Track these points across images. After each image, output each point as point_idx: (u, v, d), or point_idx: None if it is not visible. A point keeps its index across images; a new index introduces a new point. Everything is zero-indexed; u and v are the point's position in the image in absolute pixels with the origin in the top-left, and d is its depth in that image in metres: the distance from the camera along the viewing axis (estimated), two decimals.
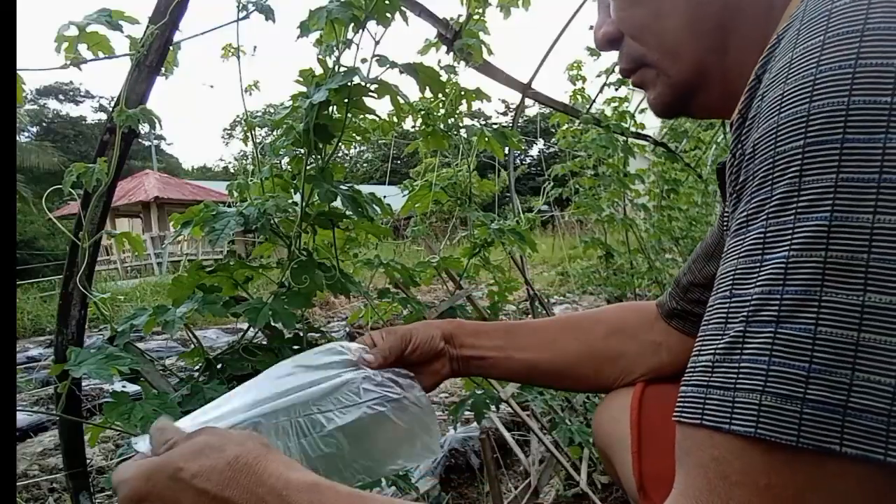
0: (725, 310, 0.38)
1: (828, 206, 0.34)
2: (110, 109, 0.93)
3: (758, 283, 0.36)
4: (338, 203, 1.04)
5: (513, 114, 2.68)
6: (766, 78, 0.41)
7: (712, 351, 0.38)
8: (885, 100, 0.33)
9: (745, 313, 0.36)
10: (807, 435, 0.33)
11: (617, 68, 2.97)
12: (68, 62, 0.88)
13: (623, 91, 3.05)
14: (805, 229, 0.34)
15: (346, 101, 1.01)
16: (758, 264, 0.37)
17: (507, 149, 1.84)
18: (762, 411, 0.34)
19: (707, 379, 0.37)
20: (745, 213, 0.39)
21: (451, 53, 1.58)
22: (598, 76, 3.10)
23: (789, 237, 0.35)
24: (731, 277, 0.38)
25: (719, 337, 0.38)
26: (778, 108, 0.37)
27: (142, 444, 0.53)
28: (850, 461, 0.32)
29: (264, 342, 1.04)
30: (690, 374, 0.39)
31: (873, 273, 0.32)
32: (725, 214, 0.48)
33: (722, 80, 0.54)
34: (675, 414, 0.39)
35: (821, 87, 0.35)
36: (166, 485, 0.46)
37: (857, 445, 0.32)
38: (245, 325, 0.98)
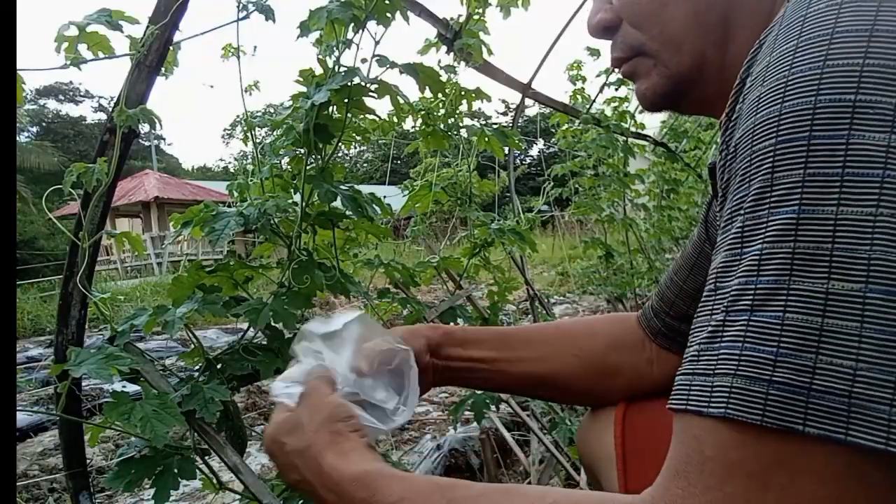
0: (711, 303, 0.40)
1: (796, 200, 0.36)
2: (110, 109, 0.93)
3: (737, 276, 0.38)
4: (338, 203, 1.04)
5: (513, 114, 2.68)
6: (749, 80, 0.43)
7: (698, 341, 0.40)
8: (849, 98, 0.35)
9: (724, 304, 0.39)
10: (771, 414, 0.34)
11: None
12: (68, 62, 0.88)
13: (623, 91, 3.05)
14: (776, 223, 0.36)
15: (346, 101, 1.01)
16: (738, 258, 0.39)
17: (507, 149, 1.84)
18: (732, 393, 0.36)
19: (693, 367, 0.40)
20: (729, 211, 0.41)
21: (451, 53, 1.58)
22: (598, 76, 3.10)
23: (763, 230, 0.37)
24: (716, 272, 0.41)
25: (704, 328, 0.40)
26: (755, 108, 0.40)
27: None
28: (813, 441, 0.34)
29: (264, 342, 1.04)
30: (682, 365, 0.41)
31: (837, 262, 0.34)
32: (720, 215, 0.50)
33: (719, 77, 0.54)
34: (668, 403, 0.41)
35: (792, 88, 0.37)
36: (276, 450, 0.58)
37: (819, 425, 0.33)
38: (245, 325, 0.98)
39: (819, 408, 0.33)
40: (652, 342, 0.77)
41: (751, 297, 0.37)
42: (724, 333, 0.38)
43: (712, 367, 0.38)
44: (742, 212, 0.39)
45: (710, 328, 0.39)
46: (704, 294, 0.42)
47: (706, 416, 0.37)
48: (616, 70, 0.61)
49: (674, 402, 0.41)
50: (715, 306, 0.40)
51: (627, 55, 0.58)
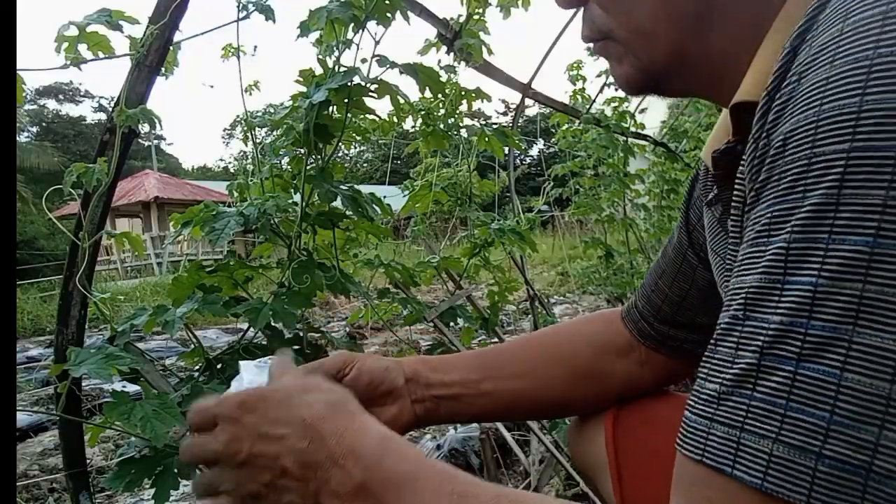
0: (737, 335, 0.33)
1: (872, 228, 0.28)
2: (110, 109, 0.93)
3: (778, 310, 0.31)
4: (338, 203, 1.04)
5: (513, 114, 2.69)
6: (805, 53, 0.33)
7: (720, 380, 0.33)
8: None
9: (759, 343, 0.31)
10: (819, 496, 0.28)
11: None
12: (68, 62, 0.88)
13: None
14: (840, 253, 0.29)
15: (346, 101, 1.01)
16: (778, 287, 0.31)
17: (507, 149, 1.84)
18: (773, 462, 0.30)
19: (712, 411, 0.33)
20: (766, 220, 0.33)
21: (451, 53, 1.58)
22: (599, 76, 3.10)
23: (820, 260, 0.29)
24: (745, 296, 0.33)
25: (728, 365, 0.33)
26: (820, 96, 0.31)
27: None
28: None
29: (264, 342, 1.04)
30: (695, 401, 0.35)
31: None
32: (727, 216, 0.45)
33: (703, 63, 0.47)
34: (677, 441, 0.36)
35: (878, 75, 0.28)
36: (274, 404, 0.51)
37: None
38: (245, 325, 0.98)
39: (879, 494, 0.27)
40: (641, 344, 0.73)
41: (798, 342, 0.30)
42: (760, 381, 0.31)
43: (740, 419, 0.31)
44: (789, 228, 0.31)
45: (737, 369, 0.32)
46: (727, 319, 0.34)
47: (730, 477, 0.31)
48: (586, 43, 0.54)
49: (686, 447, 0.34)
50: (743, 341, 0.32)
51: (596, 37, 0.51)
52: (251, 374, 0.60)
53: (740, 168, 0.39)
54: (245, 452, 0.50)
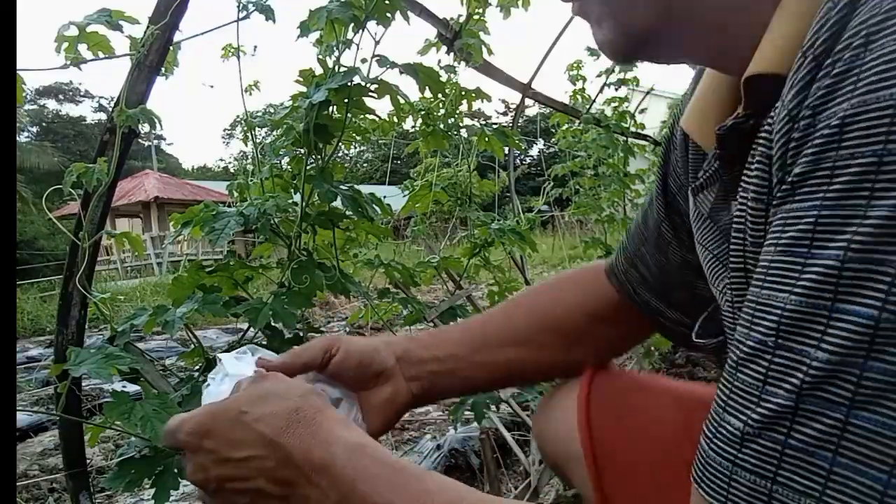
0: (765, 364, 0.28)
1: None
2: (110, 109, 0.93)
3: (823, 345, 0.26)
4: (338, 203, 1.04)
5: (513, 114, 2.69)
6: (873, 5, 0.27)
7: (744, 417, 0.29)
8: None
9: (797, 380, 0.26)
10: None
11: (617, 68, 2.97)
12: (68, 62, 0.88)
13: (623, 91, 3.06)
14: None
15: (346, 101, 1.01)
16: (825, 314, 0.26)
17: (507, 149, 1.84)
18: None
19: (734, 453, 0.29)
20: (806, 225, 0.27)
21: (451, 53, 1.58)
22: (599, 76, 3.10)
23: (885, 288, 0.24)
24: (779, 318, 0.28)
25: (754, 400, 0.28)
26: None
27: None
28: None
29: (264, 342, 1.04)
30: (713, 433, 0.30)
31: None
32: (724, 202, 0.41)
33: (696, 25, 0.41)
34: (694, 475, 0.32)
35: None
36: (229, 424, 0.48)
37: None
38: (245, 325, 0.98)
39: None
40: (627, 305, 0.69)
41: (851, 385, 0.25)
42: (797, 427, 0.26)
43: (772, 469, 0.27)
44: (842, 242, 0.25)
45: (766, 408, 0.27)
46: (750, 341, 0.29)
47: None
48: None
49: (706, 488, 0.30)
50: (774, 374, 0.27)
51: None
52: (231, 366, 0.59)
53: (760, 150, 0.33)
54: (213, 480, 0.48)
